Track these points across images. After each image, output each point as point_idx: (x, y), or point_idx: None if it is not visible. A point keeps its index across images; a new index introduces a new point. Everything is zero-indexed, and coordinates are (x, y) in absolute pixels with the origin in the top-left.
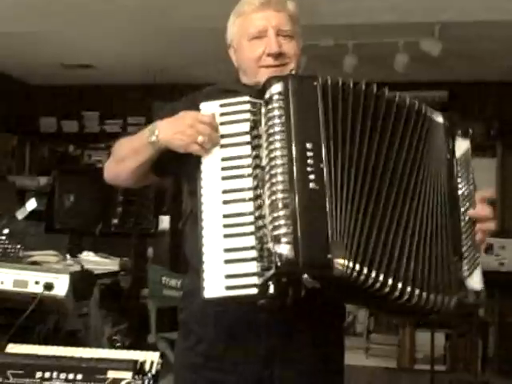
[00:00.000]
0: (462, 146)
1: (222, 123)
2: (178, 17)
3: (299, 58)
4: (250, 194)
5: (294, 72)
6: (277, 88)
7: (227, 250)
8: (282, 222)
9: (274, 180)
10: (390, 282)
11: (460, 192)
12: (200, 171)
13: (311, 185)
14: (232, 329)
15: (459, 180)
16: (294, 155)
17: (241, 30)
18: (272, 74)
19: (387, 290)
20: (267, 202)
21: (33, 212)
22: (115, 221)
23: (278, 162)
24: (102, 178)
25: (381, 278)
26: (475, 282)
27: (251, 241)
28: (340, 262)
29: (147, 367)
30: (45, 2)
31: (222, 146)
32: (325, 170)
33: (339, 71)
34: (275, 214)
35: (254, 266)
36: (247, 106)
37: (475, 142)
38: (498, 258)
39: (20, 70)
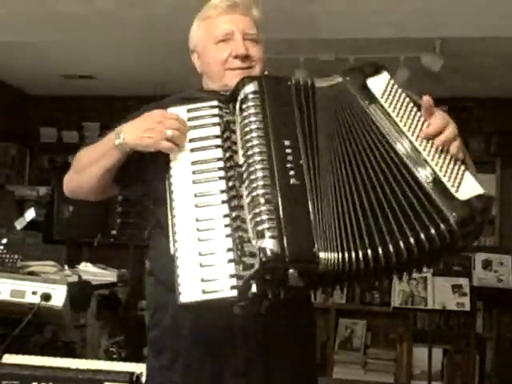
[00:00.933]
0: (378, 83)
1: (190, 127)
2: (179, 28)
3: (264, 62)
4: (224, 197)
5: (266, 73)
6: (251, 87)
7: (203, 254)
8: (265, 216)
9: (253, 176)
10: (380, 251)
11: (401, 124)
12: (170, 175)
13: (292, 180)
14: (208, 340)
15: (394, 114)
16: (272, 152)
17: (206, 34)
18: (238, 76)
19: (382, 261)
20: (247, 199)
21: (31, 222)
22: (114, 232)
23: (257, 158)
24: None
25: (369, 255)
26: (468, 190)
27: (228, 243)
28: (325, 255)
29: (143, 379)
30: (45, 13)
31: (192, 150)
32: (304, 167)
33: None
34: (257, 210)
35: (232, 268)
36: (216, 111)
37: (475, 157)
38: (496, 274)
39: (21, 80)
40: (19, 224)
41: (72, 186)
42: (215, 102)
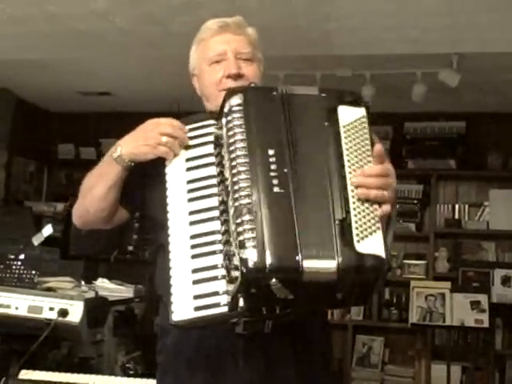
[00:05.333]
0: (349, 114)
1: (188, 147)
2: None
3: (260, 81)
4: (216, 213)
5: (252, 84)
6: (236, 100)
7: (195, 271)
8: (247, 226)
9: (236, 187)
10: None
11: (346, 158)
12: (166, 196)
13: (276, 189)
14: (209, 364)
15: (345, 147)
16: (256, 162)
17: (201, 56)
18: None
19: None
20: (231, 211)
21: (49, 238)
22: (130, 248)
23: (241, 168)
24: None
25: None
26: (369, 247)
27: (220, 259)
28: (310, 264)
29: None
30: (63, 31)
31: (188, 170)
32: (289, 175)
33: None
34: (239, 220)
35: (223, 285)
36: (211, 129)
37: (492, 173)
38: None
39: (38, 97)
40: (36, 240)
41: (79, 213)
42: (211, 121)
